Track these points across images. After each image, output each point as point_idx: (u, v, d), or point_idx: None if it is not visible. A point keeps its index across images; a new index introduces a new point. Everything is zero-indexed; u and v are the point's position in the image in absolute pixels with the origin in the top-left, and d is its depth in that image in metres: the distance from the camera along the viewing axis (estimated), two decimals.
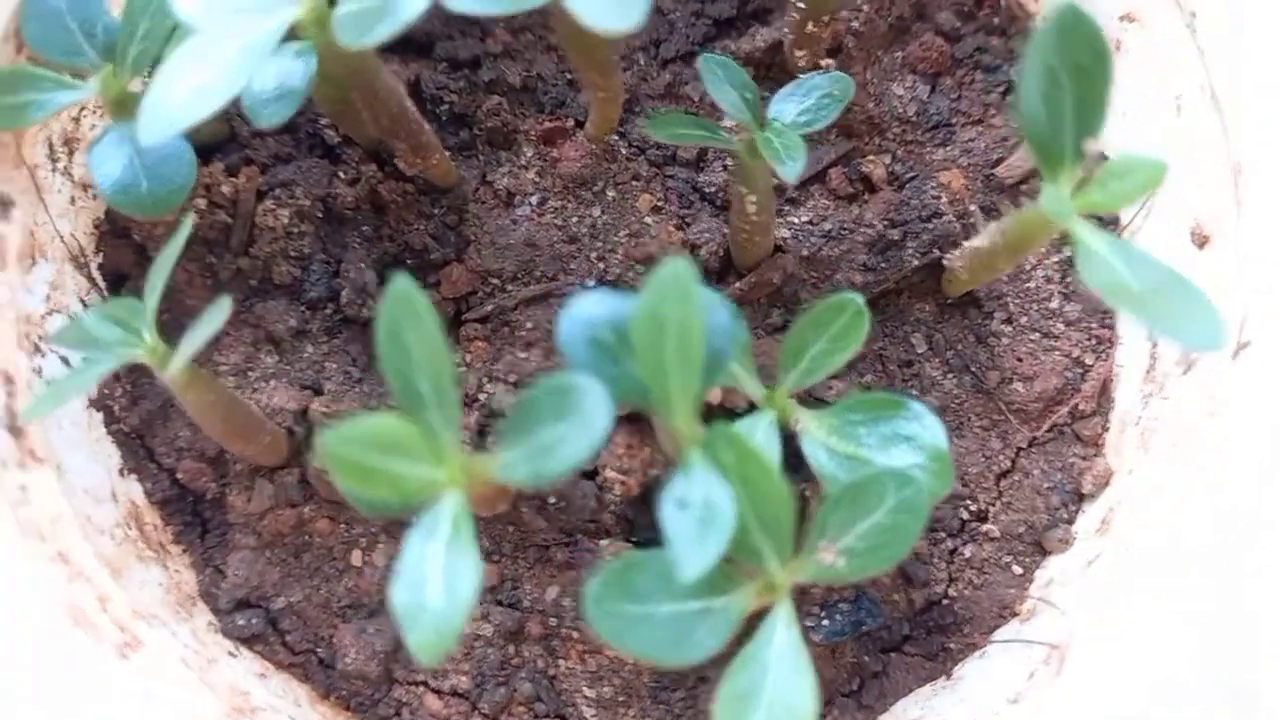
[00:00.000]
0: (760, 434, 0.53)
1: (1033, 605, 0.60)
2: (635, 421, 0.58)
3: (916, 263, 0.63)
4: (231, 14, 0.44)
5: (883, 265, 0.63)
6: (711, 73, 0.54)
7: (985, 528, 0.63)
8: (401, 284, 0.42)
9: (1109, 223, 0.64)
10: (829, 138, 0.66)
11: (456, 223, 0.64)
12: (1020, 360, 0.64)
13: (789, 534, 0.45)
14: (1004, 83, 0.68)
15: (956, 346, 0.65)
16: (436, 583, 0.41)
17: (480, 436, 0.59)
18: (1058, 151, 0.46)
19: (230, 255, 0.62)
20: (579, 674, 0.59)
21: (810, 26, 0.60)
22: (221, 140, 0.64)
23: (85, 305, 0.61)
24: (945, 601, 0.62)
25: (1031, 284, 0.66)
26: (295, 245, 0.62)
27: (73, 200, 0.61)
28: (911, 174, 0.66)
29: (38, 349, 0.56)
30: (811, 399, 0.61)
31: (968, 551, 0.63)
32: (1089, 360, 0.64)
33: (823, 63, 0.63)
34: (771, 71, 0.66)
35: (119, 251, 0.63)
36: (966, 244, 0.58)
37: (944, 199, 0.64)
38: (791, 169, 0.53)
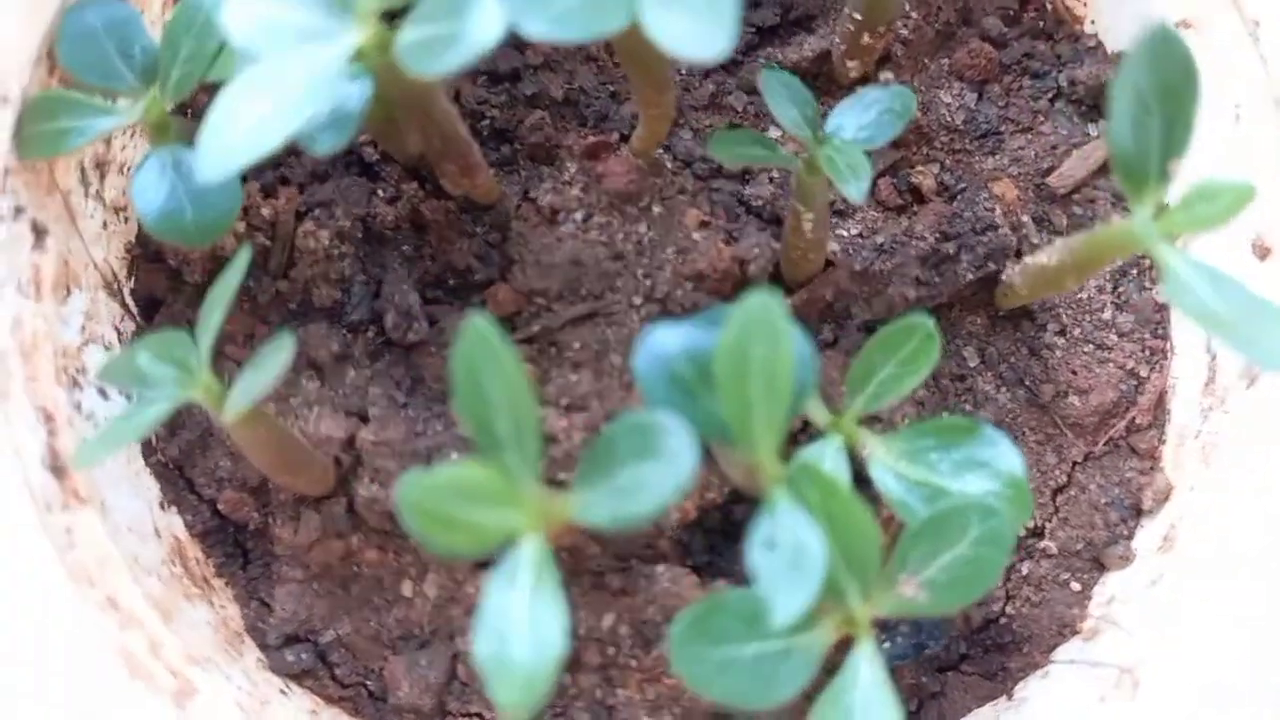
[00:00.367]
0: (829, 461, 0.51)
1: (1095, 624, 0.60)
2: None
3: (971, 277, 0.62)
4: (293, 40, 0.42)
5: (936, 280, 0.62)
6: (773, 89, 0.53)
7: (1043, 544, 0.62)
8: (478, 323, 0.40)
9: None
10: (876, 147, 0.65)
11: (499, 241, 0.62)
12: (1075, 373, 0.63)
13: (874, 571, 0.44)
14: (1053, 88, 0.67)
15: (1010, 360, 0.64)
16: (522, 635, 0.40)
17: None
18: (1143, 173, 0.45)
19: (269, 278, 0.60)
20: (637, 703, 0.58)
21: (866, 38, 0.58)
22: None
23: (120, 333, 0.59)
24: (1003, 620, 0.62)
25: (1084, 294, 0.65)
26: (336, 267, 0.60)
27: (105, 225, 0.59)
28: (961, 184, 0.64)
29: (76, 383, 0.54)
30: (873, 420, 0.60)
31: (1025, 568, 0.62)
32: (1143, 372, 0.64)
33: (883, 76, 0.61)
34: (819, 81, 0.64)
35: (152, 276, 0.61)
36: (1028, 260, 0.57)
37: (998, 210, 0.62)
38: (856, 188, 0.52)
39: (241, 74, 0.42)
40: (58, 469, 0.51)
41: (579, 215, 0.63)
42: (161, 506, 0.58)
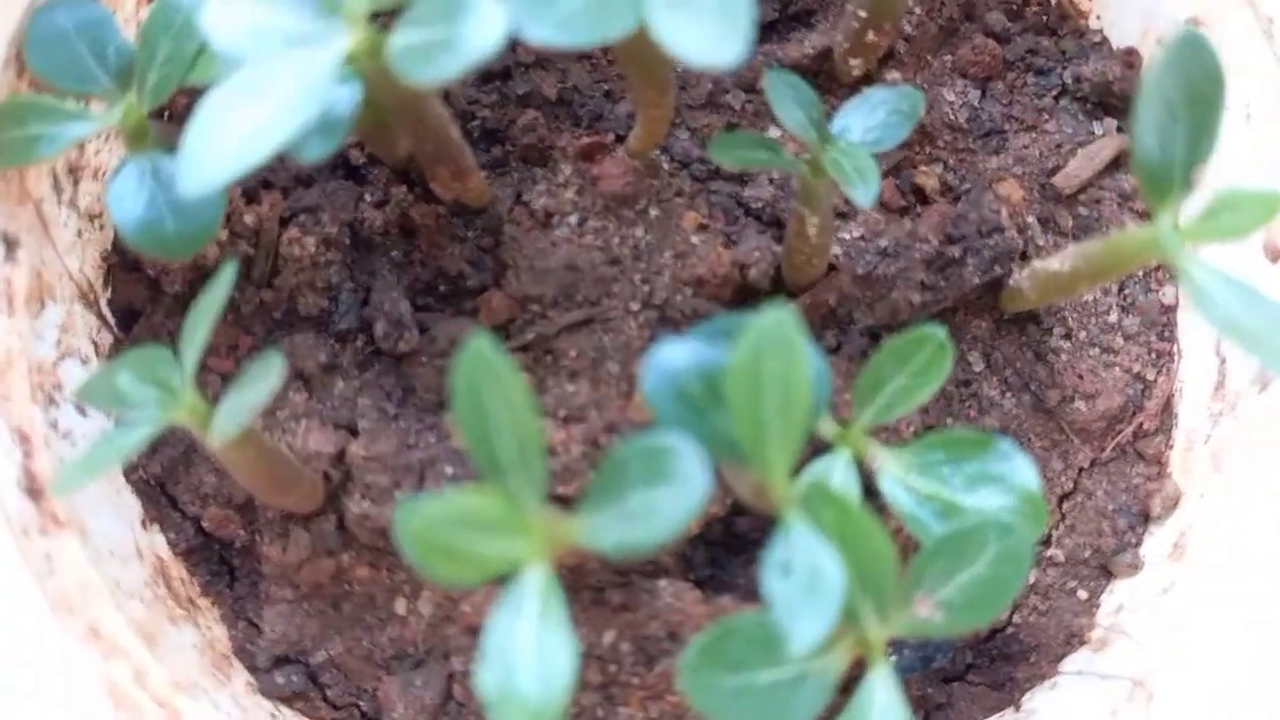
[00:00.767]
0: (839, 476, 0.50)
1: (1103, 634, 0.59)
2: None
3: (977, 281, 0.60)
4: (280, 45, 0.39)
5: (941, 284, 0.61)
6: (778, 91, 0.51)
7: (1049, 552, 0.61)
8: (478, 343, 0.38)
9: None
10: None
11: (492, 246, 0.60)
12: (1081, 378, 0.62)
13: (890, 593, 0.43)
14: (1057, 86, 0.65)
15: (1015, 364, 0.62)
16: (529, 665, 0.38)
17: None
18: (1167, 181, 0.43)
19: (253, 287, 0.58)
20: None
21: (871, 35, 0.56)
22: None
23: (96, 346, 0.56)
24: (1010, 629, 0.60)
25: (1089, 297, 0.63)
26: (322, 275, 0.58)
27: (79, 233, 0.56)
28: (966, 185, 0.63)
29: (52, 400, 0.52)
30: (880, 429, 0.58)
31: (1031, 577, 0.61)
32: (1150, 375, 0.62)
33: (888, 75, 0.59)
34: (820, 80, 0.62)
35: (130, 286, 0.58)
36: (1037, 265, 0.56)
37: (1003, 212, 0.61)
38: (865, 193, 0.50)
39: (227, 80, 0.39)
40: (34, 491, 0.49)
41: (574, 219, 0.61)
42: (143, 525, 0.56)
